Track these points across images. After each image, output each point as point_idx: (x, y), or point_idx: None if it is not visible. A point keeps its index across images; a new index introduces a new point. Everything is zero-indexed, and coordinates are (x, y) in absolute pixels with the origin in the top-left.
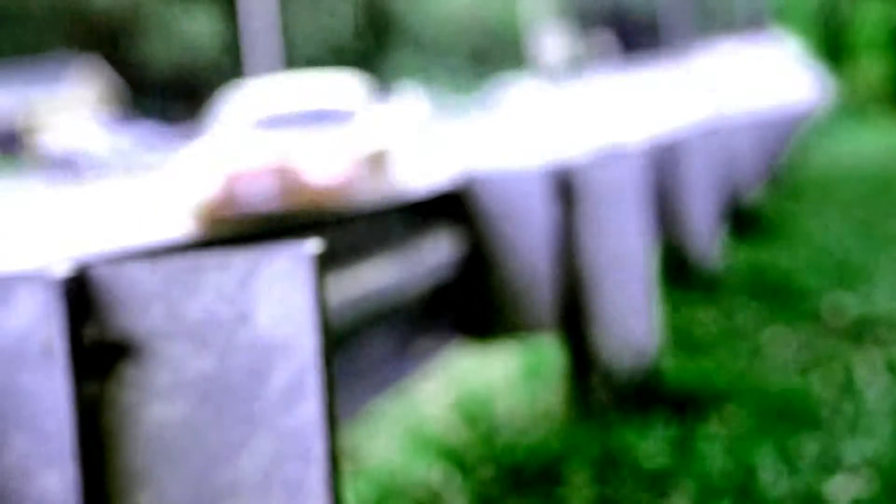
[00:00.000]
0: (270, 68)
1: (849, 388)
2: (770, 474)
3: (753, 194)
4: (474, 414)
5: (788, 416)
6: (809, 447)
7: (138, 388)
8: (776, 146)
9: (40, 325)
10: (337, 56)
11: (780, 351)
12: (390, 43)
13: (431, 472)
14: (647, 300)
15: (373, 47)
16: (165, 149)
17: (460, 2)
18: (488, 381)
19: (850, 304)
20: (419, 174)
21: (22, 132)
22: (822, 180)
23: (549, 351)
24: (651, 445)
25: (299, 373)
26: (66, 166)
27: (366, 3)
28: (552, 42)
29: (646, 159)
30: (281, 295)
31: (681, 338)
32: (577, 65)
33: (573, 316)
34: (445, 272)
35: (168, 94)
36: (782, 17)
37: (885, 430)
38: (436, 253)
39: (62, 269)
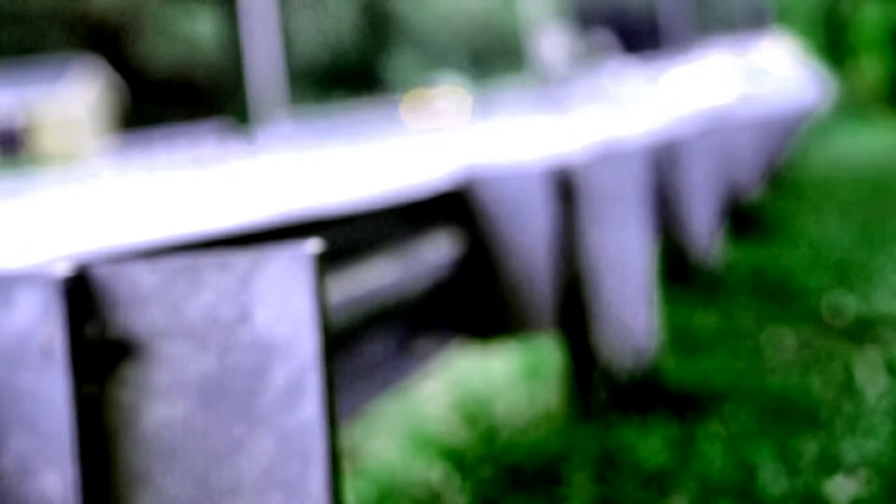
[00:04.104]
0: (271, 68)
1: (848, 387)
2: (770, 474)
3: (753, 194)
4: (474, 414)
5: (788, 415)
6: (809, 447)
7: (138, 388)
8: (776, 146)
9: (40, 325)
10: (337, 56)
11: (779, 351)
12: (390, 43)
13: (431, 472)
14: (647, 300)
15: (373, 47)
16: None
17: (460, 2)
18: (488, 381)
19: (849, 303)
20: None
21: (22, 132)
22: (822, 180)
23: (549, 351)
24: (651, 445)
25: (299, 373)
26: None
27: (366, 3)
28: (552, 42)
29: (646, 159)
30: (281, 295)
31: (681, 338)
32: (576, 64)
33: (573, 316)
34: (445, 272)
35: (168, 94)
36: (783, 16)
37: (884, 430)
38: (435, 252)
39: (62, 268)
